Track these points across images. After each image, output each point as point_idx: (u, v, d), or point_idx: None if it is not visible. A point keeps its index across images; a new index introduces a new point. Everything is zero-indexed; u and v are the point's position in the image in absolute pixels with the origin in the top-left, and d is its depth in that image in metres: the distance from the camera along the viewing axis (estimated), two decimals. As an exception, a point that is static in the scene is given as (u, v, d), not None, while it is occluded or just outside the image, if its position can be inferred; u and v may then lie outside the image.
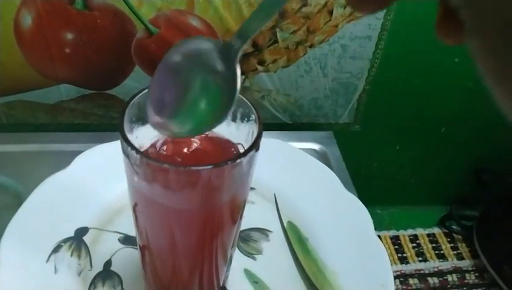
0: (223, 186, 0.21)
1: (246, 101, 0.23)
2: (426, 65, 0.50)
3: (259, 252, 0.33)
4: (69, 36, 0.42)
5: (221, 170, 0.20)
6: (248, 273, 0.32)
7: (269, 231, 0.35)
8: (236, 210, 0.25)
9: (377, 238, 0.33)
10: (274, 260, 0.33)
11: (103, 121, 0.49)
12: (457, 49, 0.49)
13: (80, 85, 0.46)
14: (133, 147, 0.20)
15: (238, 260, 0.32)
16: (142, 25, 0.42)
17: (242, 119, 0.24)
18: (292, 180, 0.38)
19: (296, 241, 0.34)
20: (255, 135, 0.21)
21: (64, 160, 0.36)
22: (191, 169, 0.19)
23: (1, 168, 0.40)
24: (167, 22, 0.42)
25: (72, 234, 0.31)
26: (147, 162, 0.20)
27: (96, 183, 0.34)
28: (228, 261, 0.29)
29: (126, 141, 0.20)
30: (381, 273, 0.31)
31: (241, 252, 0.33)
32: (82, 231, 0.32)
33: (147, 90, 0.23)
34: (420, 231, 0.62)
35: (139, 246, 0.28)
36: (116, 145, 0.37)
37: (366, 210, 0.35)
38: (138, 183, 0.22)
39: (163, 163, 0.19)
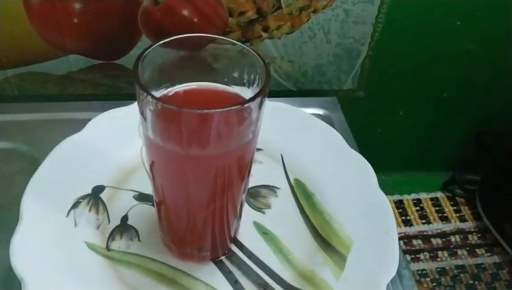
0: (233, 131, 0.23)
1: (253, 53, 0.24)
2: (428, 29, 0.51)
3: (268, 206, 0.35)
4: (77, 6, 0.43)
5: (232, 113, 0.21)
6: (257, 225, 0.33)
7: (277, 187, 0.36)
8: (246, 160, 0.26)
9: (380, 190, 0.34)
10: (282, 214, 0.34)
11: (112, 91, 0.50)
12: (459, 12, 0.49)
13: (88, 55, 0.47)
14: (149, 93, 0.21)
15: (248, 214, 0.33)
16: (148, -7, 0.43)
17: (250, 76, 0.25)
18: (298, 140, 0.39)
19: (303, 196, 0.36)
20: (263, 82, 0.22)
21: (76, 127, 0.37)
22: (204, 111, 0.20)
23: (16, 136, 0.42)
24: (172, -11, 0.43)
25: (89, 191, 0.33)
26: (162, 107, 0.21)
27: (110, 145, 0.36)
28: (238, 214, 0.31)
29: (142, 88, 0.21)
30: (385, 221, 0.32)
31: (251, 206, 0.34)
32: (99, 189, 0.33)
33: (158, 43, 0.24)
34: (423, 195, 0.63)
35: (156, 202, 0.30)
36: (126, 110, 0.39)
37: (370, 166, 0.36)
38: (154, 137, 0.24)
39: (178, 106, 0.21)
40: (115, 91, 0.50)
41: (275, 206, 0.35)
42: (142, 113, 0.23)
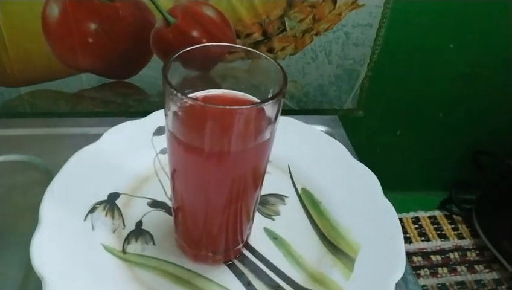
0: (253, 129, 0.24)
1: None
2: (423, 51, 0.54)
3: (277, 213, 0.36)
4: (92, 26, 0.45)
5: (253, 110, 0.23)
6: (268, 231, 0.34)
7: (285, 196, 0.38)
8: (263, 160, 0.27)
9: (385, 198, 0.36)
10: (290, 220, 0.36)
11: (121, 109, 0.52)
12: (453, 36, 0.52)
13: (100, 74, 0.49)
14: (176, 90, 0.23)
15: (258, 220, 0.35)
16: (160, 15, 0.45)
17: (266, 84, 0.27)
18: (304, 152, 0.40)
19: (310, 204, 0.37)
20: (280, 85, 0.24)
21: (87, 142, 0.39)
22: (228, 108, 0.22)
23: (29, 149, 0.43)
24: (184, 12, 0.45)
25: (105, 198, 0.34)
26: (190, 104, 0.23)
27: (124, 156, 0.37)
28: (251, 220, 0.32)
29: (172, 87, 0.23)
30: (390, 227, 0.34)
31: (261, 213, 0.36)
32: (114, 196, 0.35)
33: (184, 49, 0.26)
34: (422, 214, 0.64)
35: (173, 208, 0.31)
36: (139, 123, 0.40)
37: (374, 175, 0.38)
38: (179, 135, 0.25)
39: (204, 103, 0.22)
40: (124, 109, 0.52)
41: (283, 214, 0.36)
42: (167, 113, 0.25)
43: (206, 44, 0.28)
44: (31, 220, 0.35)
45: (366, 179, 0.38)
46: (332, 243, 0.34)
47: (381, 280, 0.30)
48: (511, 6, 0.51)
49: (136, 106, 0.52)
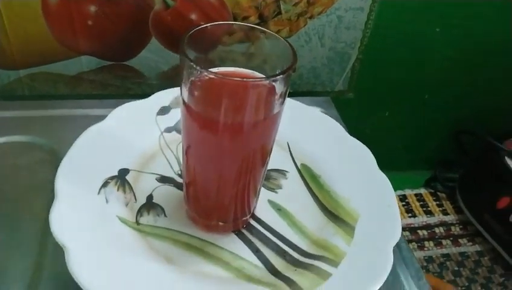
0: (265, 101, 0.26)
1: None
2: (411, 35, 0.56)
3: (279, 187, 0.38)
4: (92, 9, 0.46)
5: (265, 84, 0.25)
6: (272, 203, 0.36)
7: (286, 171, 0.39)
8: (272, 132, 0.29)
9: (380, 171, 0.38)
10: (292, 193, 0.37)
11: (120, 92, 0.53)
12: (438, 20, 0.55)
13: (100, 56, 0.49)
14: (195, 63, 0.24)
15: (263, 193, 0.36)
16: (159, -3, 0.46)
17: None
18: (302, 130, 0.42)
19: (310, 178, 0.39)
20: (290, 61, 0.26)
21: (90, 122, 0.39)
22: (243, 80, 0.24)
23: (33, 130, 0.43)
24: (182, -6, 0.46)
25: (116, 173, 0.35)
26: (209, 77, 0.24)
27: (130, 134, 0.38)
28: (257, 193, 0.34)
29: (191, 60, 0.24)
30: (386, 196, 0.36)
31: (264, 187, 0.37)
32: (124, 172, 0.36)
33: (202, 26, 0.27)
34: (408, 192, 0.67)
35: (185, 182, 0.33)
36: (143, 103, 0.41)
37: (369, 150, 0.40)
38: (196, 107, 0.27)
39: (222, 76, 0.24)
40: (123, 91, 0.53)
41: (285, 187, 0.38)
42: (184, 88, 0.27)
43: (222, 22, 0.29)
44: (40, 197, 0.37)
45: (362, 154, 0.40)
46: (333, 213, 0.36)
47: (380, 243, 0.32)
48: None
49: (134, 89, 0.53)
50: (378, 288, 0.29)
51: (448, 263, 0.59)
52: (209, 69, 0.29)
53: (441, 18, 0.54)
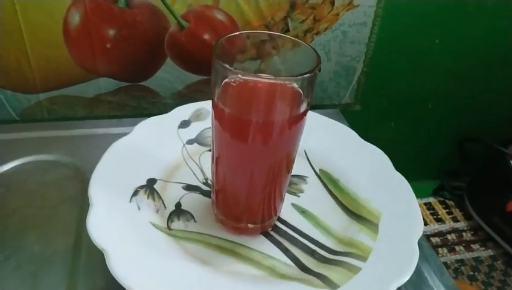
0: (292, 99, 0.28)
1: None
2: (412, 47, 0.59)
3: (301, 191, 0.39)
4: (111, 32, 0.48)
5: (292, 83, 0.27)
6: (295, 206, 0.38)
7: (306, 176, 0.41)
8: (299, 132, 0.31)
9: (396, 171, 0.40)
10: (314, 196, 0.39)
11: (136, 112, 0.54)
12: (437, 32, 0.58)
13: (117, 78, 0.51)
14: (228, 64, 0.26)
15: (286, 198, 0.38)
16: (174, 20, 0.49)
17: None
18: (317, 138, 0.43)
19: (329, 182, 0.40)
20: (315, 63, 0.28)
21: (110, 141, 0.41)
22: (275, 79, 0.26)
23: (57, 149, 0.45)
24: (196, 16, 0.49)
25: (144, 183, 0.37)
26: (242, 79, 0.26)
27: (154, 146, 0.40)
28: (283, 197, 0.35)
29: (223, 61, 0.26)
30: (405, 195, 0.37)
31: (287, 192, 0.39)
32: (152, 181, 0.37)
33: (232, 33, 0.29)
34: (418, 201, 0.68)
35: (214, 190, 0.34)
36: (164, 117, 0.43)
37: (384, 153, 0.42)
38: (227, 108, 0.28)
39: (254, 75, 0.26)
40: (139, 112, 0.54)
41: (306, 191, 0.39)
42: (215, 90, 0.28)
43: (250, 31, 0.31)
44: (69, 210, 0.38)
45: (377, 157, 0.42)
46: (355, 213, 0.37)
47: (405, 237, 0.33)
48: (487, 5, 0.56)
49: (150, 108, 0.55)
50: (407, 279, 0.30)
51: (463, 268, 0.59)
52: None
53: (440, 30, 0.57)
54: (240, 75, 0.26)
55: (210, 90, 0.29)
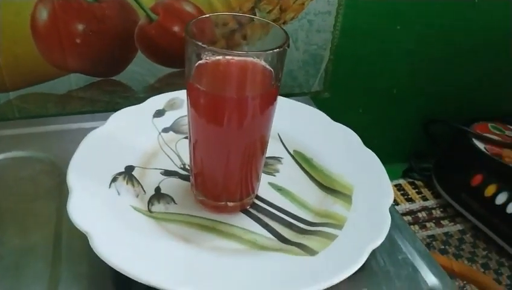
0: (263, 75, 0.29)
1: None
2: (375, 34, 0.61)
3: (277, 171, 0.41)
4: (80, 27, 0.48)
5: (262, 58, 0.28)
6: (272, 184, 0.39)
7: (281, 157, 0.42)
8: (271, 109, 0.32)
9: (366, 148, 0.42)
10: (289, 175, 0.40)
11: (108, 107, 0.54)
12: (398, 18, 0.60)
13: (88, 73, 0.51)
14: (201, 41, 0.27)
15: (262, 177, 0.39)
16: (143, 13, 0.49)
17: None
18: (290, 121, 0.45)
19: (303, 161, 0.42)
20: (283, 40, 0.29)
21: (85, 135, 0.41)
22: (248, 53, 0.27)
23: (30, 145, 0.45)
24: (165, 8, 0.50)
25: (122, 170, 0.37)
26: (213, 52, 0.27)
27: (131, 135, 0.40)
28: (259, 177, 0.37)
29: (196, 40, 0.27)
30: (376, 169, 0.39)
31: (263, 172, 0.40)
32: (130, 168, 0.38)
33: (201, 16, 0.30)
34: (389, 183, 0.71)
35: (194, 174, 0.35)
36: (138, 107, 0.44)
37: (353, 132, 0.44)
38: (202, 87, 0.29)
39: (225, 52, 0.27)
40: (111, 107, 0.55)
41: (282, 171, 0.41)
42: (190, 70, 0.29)
43: (220, 13, 0.32)
44: (47, 202, 0.38)
45: (347, 135, 0.44)
46: (329, 188, 0.38)
47: (377, 205, 0.35)
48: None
49: (123, 103, 0.55)
50: (380, 242, 0.32)
51: (434, 243, 0.62)
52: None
53: (401, 16, 0.60)
54: (212, 53, 0.27)
55: (184, 72, 0.30)
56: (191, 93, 0.31)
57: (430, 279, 0.35)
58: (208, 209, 0.35)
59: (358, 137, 0.43)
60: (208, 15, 0.31)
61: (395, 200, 0.68)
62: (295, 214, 0.36)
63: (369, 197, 0.36)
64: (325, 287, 0.28)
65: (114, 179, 0.36)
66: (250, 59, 0.31)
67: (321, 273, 0.29)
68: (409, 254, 0.37)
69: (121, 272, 0.28)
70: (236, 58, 0.30)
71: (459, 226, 0.65)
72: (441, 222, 0.66)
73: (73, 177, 0.34)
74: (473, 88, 0.71)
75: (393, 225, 0.40)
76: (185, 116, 0.34)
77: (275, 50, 0.28)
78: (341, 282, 0.29)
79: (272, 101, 0.32)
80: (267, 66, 0.30)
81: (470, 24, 0.64)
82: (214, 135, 0.32)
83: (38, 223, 0.37)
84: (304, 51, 0.58)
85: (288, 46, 0.29)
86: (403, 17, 0.60)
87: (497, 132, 0.67)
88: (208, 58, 0.29)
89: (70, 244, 0.34)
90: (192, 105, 0.31)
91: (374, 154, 0.41)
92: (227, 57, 0.31)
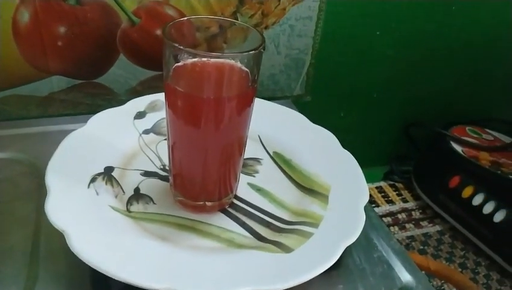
0: (238, 76, 0.30)
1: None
2: (356, 40, 0.62)
3: (256, 172, 0.41)
4: (62, 30, 0.48)
5: (236, 59, 0.29)
6: (251, 185, 0.39)
7: (260, 158, 0.43)
8: (248, 108, 0.33)
9: (344, 149, 0.42)
10: (268, 176, 0.41)
11: (91, 110, 0.54)
12: (378, 24, 0.62)
13: (70, 76, 0.52)
14: (178, 43, 0.28)
15: (242, 178, 0.39)
16: (126, 16, 0.50)
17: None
18: (270, 123, 0.46)
19: (282, 162, 0.43)
20: (259, 42, 0.30)
21: (64, 137, 0.42)
22: (224, 54, 0.28)
23: (10, 147, 0.45)
24: (147, 12, 0.50)
25: (102, 170, 0.37)
26: (189, 53, 0.28)
27: (111, 136, 0.41)
28: (238, 178, 0.37)
29: (174, 42, 0.28)
30: (352, 169, 0.40)
31: (243, 173, 0.40)
32: (109, 169, 0.38)
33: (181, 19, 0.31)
34: (370, 185, 0.72)
35: (173, 174, 0.36)
36: (119, 109, 0.44)
37: (331, 134, 0.45)
38: (180, 87, 0.30)
39: (199, 53, 0.28)
40: (93, 109, 0.55)
41: (261, 171, 0.41)
42: (168, 72, 0.30)
43: (199, 16, 0.33)
44: (25, 204, 0.38)
45: (325, 137, 0.44)
46: (307, 188, 0.39)
47: (352, 205, 0.36)
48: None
49: (105, 106, 0.55)
50: (355, 239, 0.33)
51: (413, 243, 0.63)
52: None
53: (380, 22, 0.61)
54: (189, 54, 0.28)
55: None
56: (169, 94, 0.31)
57: (405, 276, 0.36)
58: (186, 209, 0.36)
59: (336, 138, 0.44)
60: (186, 17, 0.32)
61: (375, 202, 0.69)
62: (273, 213, 0.37)
63: (346, 196, 0.37)
64: (300, 283, 0.29)
65: (93, 180, 0.36)
66: (227, 61, 0.32)
67: (296, 269, 0.30)
68: (384, 252, 0.38)
69: (98, 270, 0.28)
70: (213, 60, 0.31)
71: (437, 227, 0.66)
72: (420, 223, 0.67)
73: (51, 178, 0.34)
74: (451, 92, 0.73)
75: (370, 224, 0.41)
76: (165, 118, 0.35)
77: (251, 52, 0.29)
78: (318, 279, 0.30)
79: (248, 103, 0.33)
80: (244, 68, 0.31)
81: (448, 29, 0.65)
82: (191, 136, 0.32)
83: (16, 224, 0.37)
84: (285, 55, 0.59)
85: (264, 49, 0.30)
86: (382, 22, 0.62)
87: (475, 135, 0.69)
88: (185, 59, 0.30)
89: (48, 244, 0.34)
90: (170, 106, 0.32)
91: (351, 155, 0.42)
92: (204, 59, 0.31)
